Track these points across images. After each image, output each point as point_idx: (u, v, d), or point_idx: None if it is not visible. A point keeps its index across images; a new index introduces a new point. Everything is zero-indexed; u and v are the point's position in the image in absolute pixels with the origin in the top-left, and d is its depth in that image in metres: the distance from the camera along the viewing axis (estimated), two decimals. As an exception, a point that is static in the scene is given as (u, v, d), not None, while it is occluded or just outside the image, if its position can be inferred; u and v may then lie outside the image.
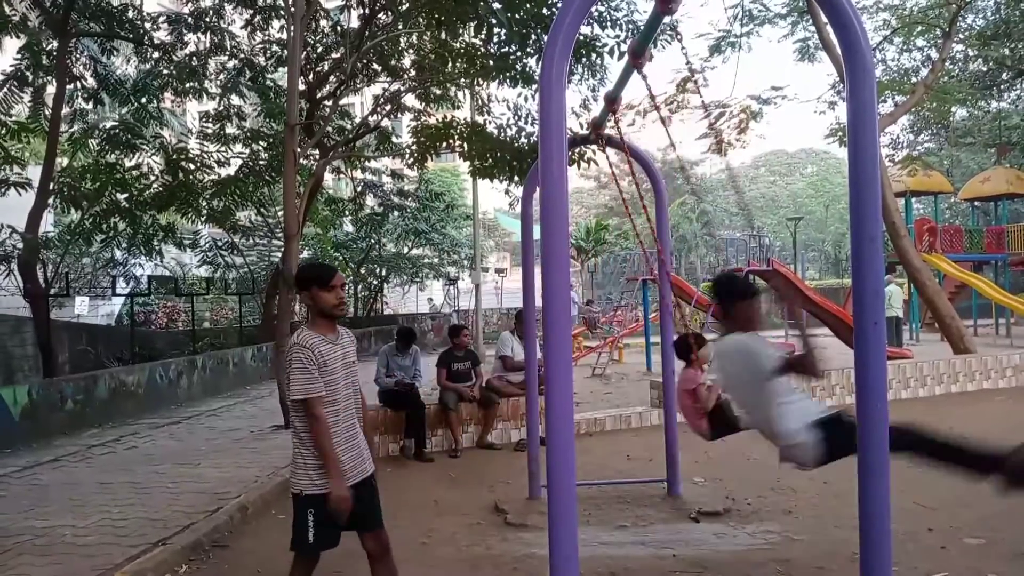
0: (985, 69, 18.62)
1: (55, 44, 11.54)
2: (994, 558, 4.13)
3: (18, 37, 11.48)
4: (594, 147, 4.80)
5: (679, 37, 4.07)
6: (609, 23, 9.43)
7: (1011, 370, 10.86)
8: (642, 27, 3.87)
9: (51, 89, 12.06)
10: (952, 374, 10.47)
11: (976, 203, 24.25)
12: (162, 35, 12.64)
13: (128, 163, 13.19)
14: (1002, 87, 20.10)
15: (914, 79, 15.66)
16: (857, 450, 2.68)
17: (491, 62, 10.07)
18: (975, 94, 18.40)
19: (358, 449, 3.26)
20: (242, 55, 12.78)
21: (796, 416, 3.40)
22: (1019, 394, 10.09)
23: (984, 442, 3.30)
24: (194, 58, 12.51)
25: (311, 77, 11.92)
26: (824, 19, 10.85)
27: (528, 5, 8.76)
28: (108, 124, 13.43)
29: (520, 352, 7.88)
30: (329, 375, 3.16)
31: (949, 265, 18.84)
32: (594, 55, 9.62)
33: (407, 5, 10.08)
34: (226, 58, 12.97)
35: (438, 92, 11.88)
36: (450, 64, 10.50)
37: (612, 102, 4.82)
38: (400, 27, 10.54)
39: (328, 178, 17.63)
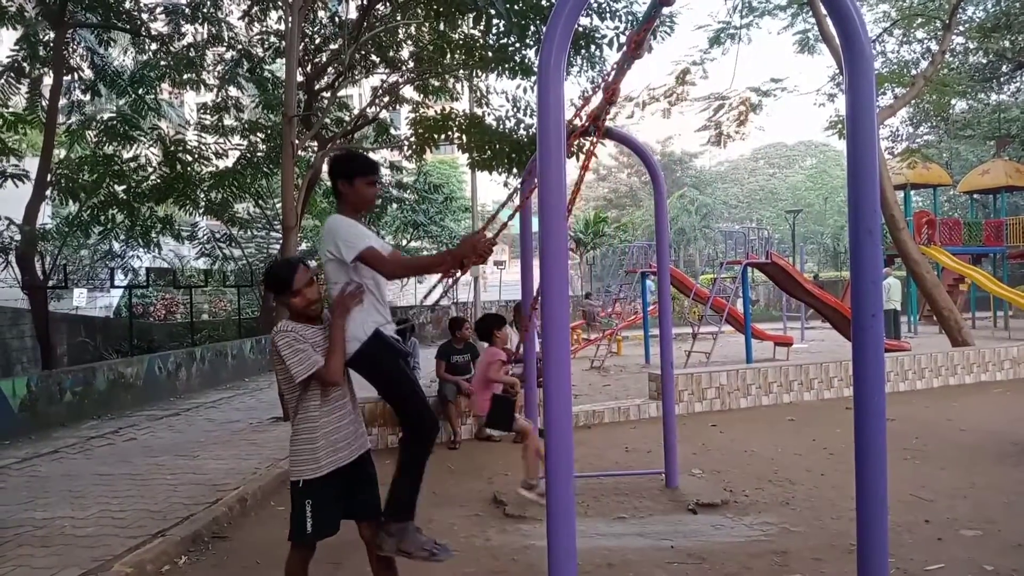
0: (985, 61, 18.60)
1: (52, 35, 11.50)
2: (990, 549, 4.14)
3: (15, 28, 11.43)
4: (592, 139, 4.79)
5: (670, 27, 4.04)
6: (608, 14, 9.41)
7: (1009, 362, 10.89)
8: (641, 18, 3.86)
9: (48, 80, 12.02)
10: (950, 367, 10.50)
11: (975, 196, 24.26)
12: (159, 26, 12.59)
13: (126, 155, 13.15)
14: (1002, 79, 20.08)
15: (914, 71, 15.64)
16: None
17: (490, 53, 10.05)
18: (975, 86, 18.40)
19: (350, 429, 3.23)
20: (240, 46, 12.73)
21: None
22: (1017, 386, 10.12)
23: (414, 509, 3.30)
24: (191, 49, 12.45)
25: (309, 68, 11.88)
26: (824, 11, 10.80)
27: (527, -4, 8.73)
28: (105, 115, 13.38)
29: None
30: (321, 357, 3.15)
31: (948, 258, 18.86)
32: (593, 46, 9.60)
33: (405, -4, 10.05)
34: (224, 49, 12.91)
35: (436, 84, 11.85)
36: (449, 55, 10.48)
37: (610, 94, 4.80)
38: (398, 18, 10.51)
39: (326, 170, 17.59)
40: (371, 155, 17.86)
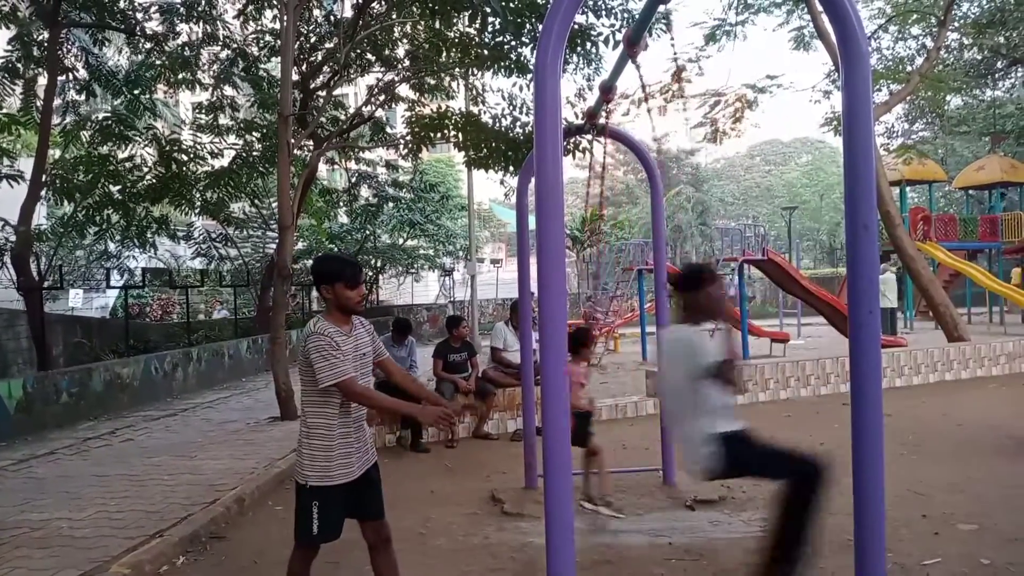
0: (980, 57, 18.65)
1: (46, 35, 11.45)
2: (987, 544, 4.16)
3: (8, 28, 11.38)
4: (589, 137, 4.79)
5: (668, 27, 4.03)
6: (604, 12, 9.41)
7: (1004, 358, 10.92)
8: (637, 16, 3.86)
9: (42, 80, 11.97)
10: (946, 362, 10.52)
11: (970, 191, 24.30)
12: (154, 25, 12.55)
13: (121, 155, 13.11)
14: (996, 75, 20.14)
15: (909, 68, 15.67)
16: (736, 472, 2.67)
17: (486, 51, 10.04)
18: (970, 83, 18.43)
19: (363, 441, 3.26)
20: (235, 45, 12.70)
21: (706, 424, 3.24)
22: (1012, 381, 10.15)
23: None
24: (187, 48, 12.42)
25: (304, 67, 11.87)
26: (819, 7, 10.83)
27: (522, -6, 8.73)
28: (100, 115, 13.34)
29: (514, 343, 7.89)
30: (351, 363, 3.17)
31: (943, 253, 18.90)
32: (589, 44, 9.59)
33: (401, -6, 10.03)
34: (219, 48, 12.88)
35: (432, 82, 11.84)
36: (444, 54, 10.46)
37: (607, 91, 4.80)
38: (394, 16, 10.49)
39: (322, 169, 17.59)
40: (367, 153, 17.85)
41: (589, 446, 5.19)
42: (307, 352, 3.09)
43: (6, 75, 11.66)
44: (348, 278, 3.16)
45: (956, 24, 15.67)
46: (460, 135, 10.40)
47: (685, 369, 3.24)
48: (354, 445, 3.20)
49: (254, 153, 13.69)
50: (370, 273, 24.21)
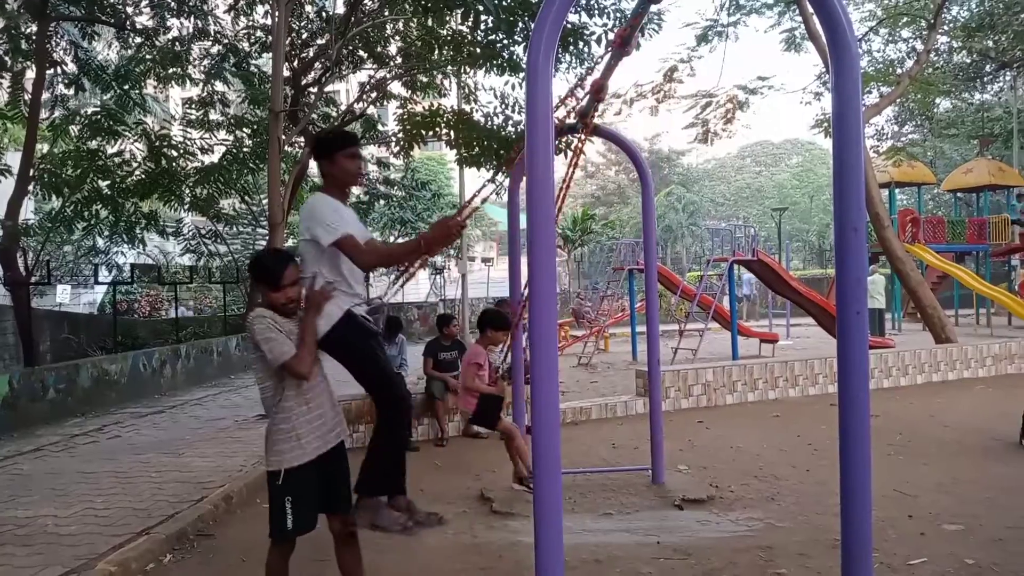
0: (969, 61, 18.78)
1: (34, 28, 11.36)
2: (972, 544, 4.19)
3: (-4, 20, 11.29)
4: (580, 136, 4.80)
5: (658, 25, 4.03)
6: (597, 11, 9.41)
7: (991, 359, 11.02)
8: (629, 15, 3.86)
9: (31, 74, 11.88)
10: (933, 363, 10.60)
11: (958, 194, 24.48)
12: (144, 20, 12.46)
13: (110, 150, 13.02)
14: (985, 79, 20.29)
15: (899, 70, 15.75)
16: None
17: (478, 50, 10.02)
18: (959, 86, 18.57)
19: (328, 416, 3.22)
20: (226, 40, 12.62)
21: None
22: (999, 383, 10.24)
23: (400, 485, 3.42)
24: (177, 43, 12.34)
25: (296, 63, 11.80)
26: (810, 9, 10.87)
27: (515, -8, 8.72)
28: (89, 110, 13.25)
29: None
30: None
31: (932, 256, 19.03)
32: (581, 43, 9.59)
33: (393, -9, 10.00)
34: (210, 44, 12.80)
35: (424, 80, 11.80)
36: (437, 51, 10.43)
37: (599, 91, 4.80)
38: (386, 13, 10.46)
39: (313, 166, 17.50)
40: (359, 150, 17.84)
41: (497, 428, 5.32)
42: (253, 335, 3.06)
43: (-6, 68, 11.57)
44: (268, 281, 3.13)
45: (945, 27, 15.78)
46: (452, 133, 10.38)
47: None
48: (321, 419, 3.17)
49: (244, 149, 13.61)
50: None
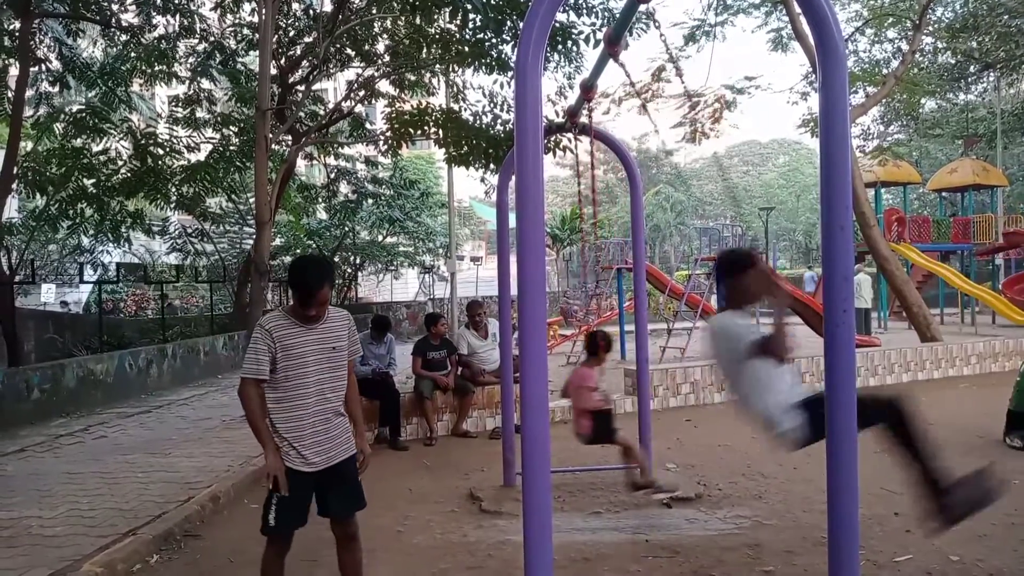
0: (953, 62, 18.92)
1: (17, 25, 11.23)
2: (957, 541, 4.23)
3: (-22, 17, 11.16)
4: (570, 135, 4.80)
5: (657, 24, 4.05)
6: (585, 10, 9.42)
7: (975, 358, 11.12)
8: (618, 15, 3.87)
9: (14, 71, 11.74)
10: (919, 362, 10.69)
11: (944, 194, 24.69)
12: (129, 17, 12.36)
13: (95, 148, 12.91)
14: (969, 80, 20.45)
15: (885, 70, 15.86)
16: (826, 434, 2.64)
17: (466, 48, 10.01)
18: (943, 86, 18.71)
19: (328, 435, 3.22)
20: (212, 38, 12.55)
21: (777, 398, 3.33)
22: (983, 381, 10.33)
23: (947, 469, 3.30)
24: (163, 41, 12.25)
25: (283, 61, 11.75)
26: (797, 9, 10.93)
27: (504, -9, 8.71)
28: (74, 108, 13.13)
29: (479, 346, 7.91)
30: (295, 359, 3.14)
31: (917, 254, 19.18)
32: (570, 42, 9.60)
33: (381, -11, 9.97)
34: (196, 41, 12.72)
35: (413, 78, 11.78)
36: (425, 50, 10.41)
37: (588, 90, 4.81)
38: (374, 11, 10.43)
39: (301, 164, 17.45)
40: (346, 149, 17.71)
41: (616, 442, 5.18)
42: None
43: (-24, 65, 11.44)
44: (299, 296, 3.16)
45: (931, 28, 15.88)
46: (440, 132, 10.36)
47: (728, 354, 3.33)
48: (313, 438, 3.17)
49: (231, 147, 13.53)
50: (348, 270, 24.08)
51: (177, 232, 17.64)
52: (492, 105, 10.64)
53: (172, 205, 14.43)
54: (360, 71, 12.03)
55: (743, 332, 3.28)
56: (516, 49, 2.57)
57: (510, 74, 9.74)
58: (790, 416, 3.29)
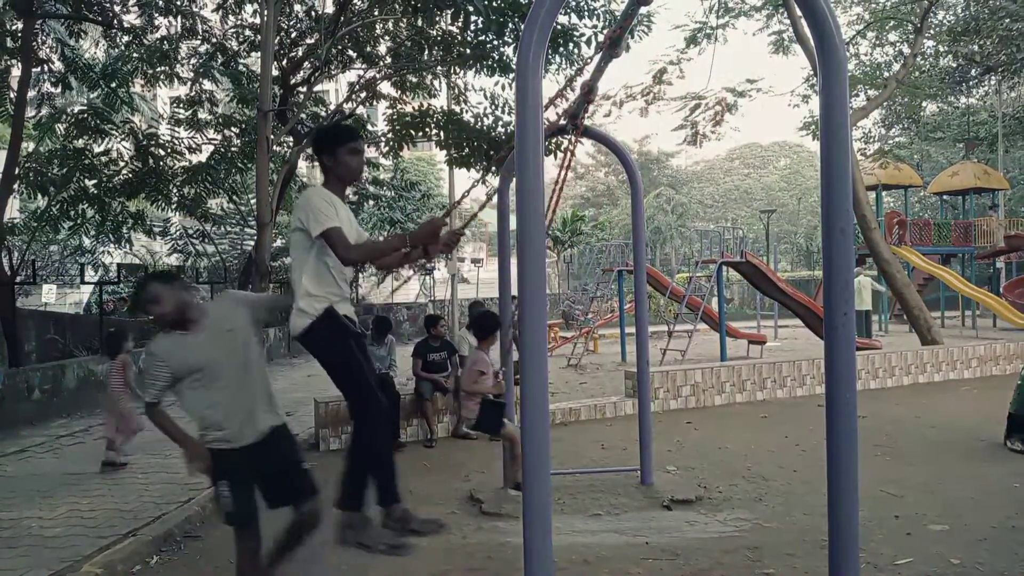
0: (955, 65, 18.91)
1: (20, 25, 11.25)
2: (957, 544, 4.23)
3: (-20, 18, 11.17)
4: (570, 137, 4.81)
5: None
6: (586, 13, 9.42)
7: (976, 361, 11.11)
8: (619, 17, 3.87)
9: (16, 72, 11.75)
10: (920, 365, 10.68)
11: (945, 196, 24.69)
12: (132, 18, 12.36)
13: (97, 148, 12.91)
14: (971, 83, 20.44)
15: (886, 74, 15.85)
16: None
17: (468, 50, 10.01)
18: (945, 89, 18.69)
19: (247, 413, 3.20)
20: (214, 40, 12.55)
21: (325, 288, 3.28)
22: (984, 384, 10.32)
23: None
24: (165, 42, 12.26)
25: (285, 63, 11.75)
26: (799, 12, 10.93)
27: (505, -7, 8.72)
28: (76, 108, 13.13)
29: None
30: (193, 366, 3.17)
31: (918, 258, 19.17)
32: (571, 45, 9.60)
33: (383, -9, 9.98)
34: (198, 42, 12.73)
35: (414, 80, 11.78)
36: (426, 52, 10.42)
37: (588, 92, 4.81)
38: (376, 13, 10.43)
39: (302, 166, 17.42)
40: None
41: (503, 433, 5.29)
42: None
43: (-22, 66, 11.45)
44: (146, 308, 3.28)
45: (932, 32, 15.88)
46: (442, 134, 10.36)
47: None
48: (233, 419, 3.18)
49: (233, 149, 13.53)
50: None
51: (178, 233, 17.64)
52: (493, 107, 10.64)
53: (173, 206, 14.42)
54: (362, 73, 12.03)
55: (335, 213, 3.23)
56: (517, 51, 2.57)
57: (511, 76, 9.74)
58: (314, 308, 3.21)
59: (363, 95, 11.75)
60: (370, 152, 16.64)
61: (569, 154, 4.42)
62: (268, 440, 3.23)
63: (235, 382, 3.19)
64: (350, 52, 11.60)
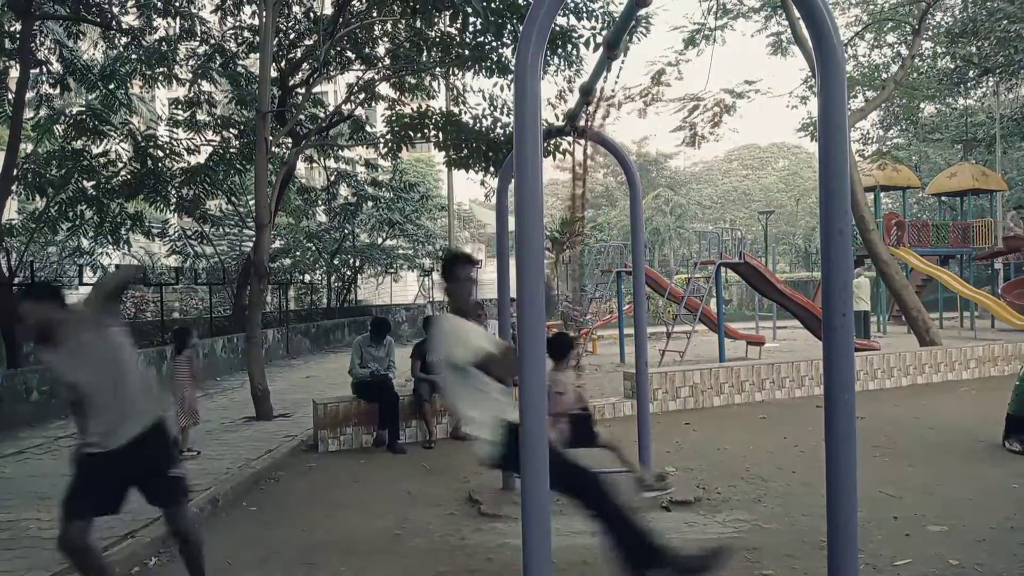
0: (953, 67, 18.94)
1: (18, 26, 11.24)
2: (956, 545, 4.23)
3: (-21, 19, 11.16)
4: (569, 139, 4.81)
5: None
6: (585, 14, 9.43)
7: (974, 362, 11.12)
8: (618, 19, 3.87)
9: (14, 73, 11.74)
10: (918, 366, 10.69)
11: (943, 198, 24.72)
12: (130, 19, 12.36)
13: (95, 150, 12.90)
14: (969, 84, 20.45)
15: (884, 75, 15.88)
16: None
17: (466, 51, 10.02)
18: (943, 91, 18.72)
19: (109, 425, 3.33)
20: (213, 41, 12.56)
21: (485, 407, 3.34)
22: (982, 385, 10.33)
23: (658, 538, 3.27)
24: (163, 43, 12.26)
25: (283, 64, 11.76)
26: (797, 14, 10.94)
27: (504, -6, 8.72)
28: (74, 110, 13.12)
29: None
30: (66, 381, 3.31)
31: (916, 259, 19.20)
32: (570, 46, 9.61)
33: (382, -8, 9.98)
34: (196, 44, 12.73)
35: (413, 81, 11.79)
36: (425, 53, 10.43)
37: (587, 94, 4.82)
38: (374, 14, 10.44)
39: (301, 167, 17.44)
40: (346, 152, 17.69)
41: (600, 444, 5.20)
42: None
43: (-24, 67, 11.44)
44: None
45: (930, 33, 15.91)
46: (440, 135, 10.37)
47: (450, 356, 3.40)
48: (98, 428, 3.32)
49: (231, 150, 13.54)
50: (348, 273, 24.08)
51: (177, 234, 17.63)
52: (492, 108, 10.65)
53: (172, 207, 14.43)
54: (360, 74, 12.04)
55: (472, 338, 3.35)
56: (516, 52, 2.57)
57: (510, 77, 9.75)
58: (491, 431, 3.27)
59: (362, 96, 11.76)
60: (369, 153, 16.67)
61: (581, 156, 4.40)
62: (130, 448, 3.38)
63: (98, 395, 3.31)
64: (349, 53, 11.61)
